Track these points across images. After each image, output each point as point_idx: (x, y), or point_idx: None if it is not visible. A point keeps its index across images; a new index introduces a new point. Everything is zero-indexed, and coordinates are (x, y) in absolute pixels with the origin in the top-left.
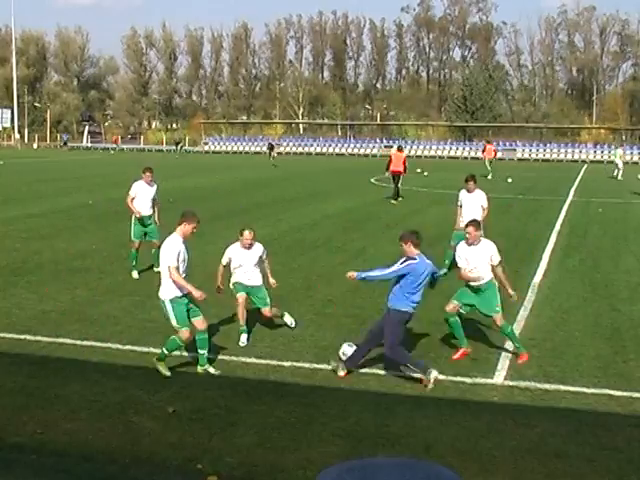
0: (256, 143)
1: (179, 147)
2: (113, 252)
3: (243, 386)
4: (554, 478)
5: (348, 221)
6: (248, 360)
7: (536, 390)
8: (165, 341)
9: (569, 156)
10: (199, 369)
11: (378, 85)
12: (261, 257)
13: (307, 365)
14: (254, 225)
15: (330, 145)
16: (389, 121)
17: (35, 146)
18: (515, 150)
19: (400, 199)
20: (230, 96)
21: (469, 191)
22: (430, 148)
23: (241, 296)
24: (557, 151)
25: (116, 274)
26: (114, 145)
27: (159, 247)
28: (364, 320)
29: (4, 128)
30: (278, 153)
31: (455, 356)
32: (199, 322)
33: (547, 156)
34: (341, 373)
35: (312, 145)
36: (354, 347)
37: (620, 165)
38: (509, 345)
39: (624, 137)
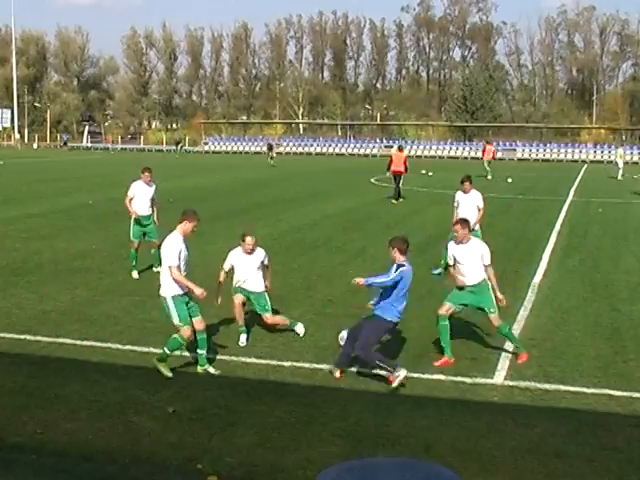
0: (256, 143)
1: (179, 147)
2: (113, 252)
3: (243, 386)
4: (554, 478)
5: (348, 221)
6: (248, 360)
7: (536, 390)
8: (166, 341)
9: (569, 156)
10: (199, 369)
11: (378, 85)
12: (263, 262)
13: (307, 365)
14: (254, 225)
15: (330, 145)
16: (389, 121)
17: (35, 146)
18: (515, 150)
19: (401, 200)
20: (230, 96)
21: (465, 192)
22: (430, 148)
23: (237, 297)
24: (557, 151)
25: (116, 274)
26: (108, 145)
27: (159, 247)
28: None
29: (4, 128)
30: (278, 153)
31: (437, 363)
32: (198, 322)
33: (547, 156)
34: (337, 374)
35: (312, 145)
36: None
37: (620, 164)
38: (509, 345)
39: (624, 137)
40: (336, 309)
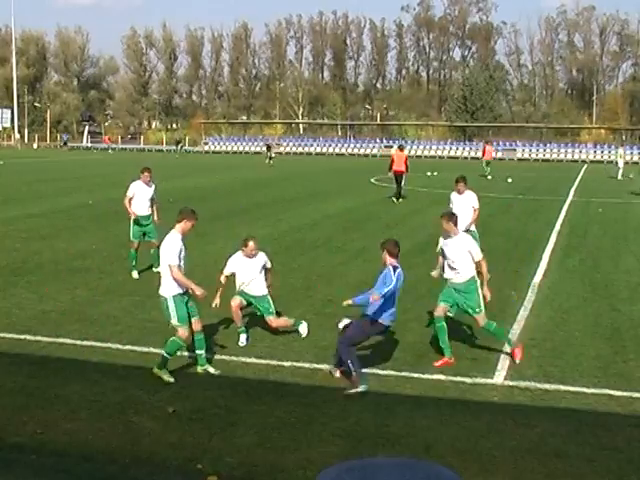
0: (256, 143)
1: (179, 147)
2: (113, 252)
3: (243, 386)
4: (554, 478)
5: (348, 221)
6: (248, 360)
7: (536, 390)
8: (165, 344)
9: (569, 156)
10: (199, 369)
11: (378, 85)
12: (264, 266)
13: (307, 365)
14: (254, 225)
15: (330, 145)
16: (389, 121)
17: (35, 146)
18: (515, 150)
19: (401, 200)
20: (230, 96)
21: (459, 192)
22: (430, 148)
23: (235, 300)
24: (557, 151)
25: (116, 274)
26: (106, 145)
27: (158, 247)
28: None
29: (4, 128)
30: (278, 153)
31: (437, 364)
32: (196, 322)
33: (547, 156)
34: (337, 374)
35: (312, 145)
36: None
37: (620, 164)
38: (508, 345)
39: (624, 137)
40: (336, 309)
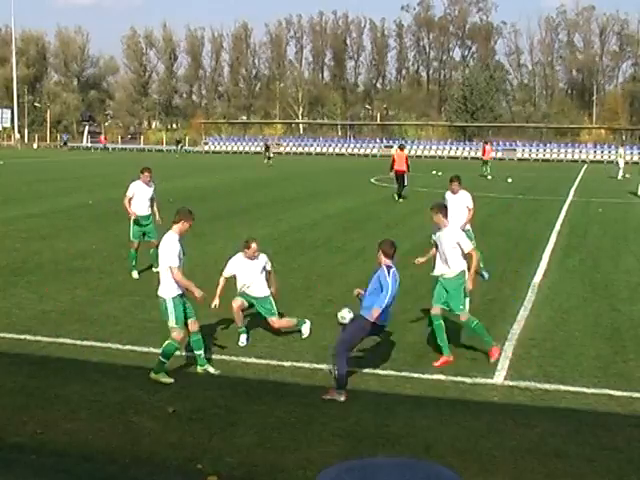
0: (256, 143)
1: (179, 147)
2: (113, 252)
3: (243, 386)
4: (554, 478)
5: (348, 221)
6: (248, 360)
7: (536, 390)
8: (161, 348)
9: (569, 156)
10: (199, 369)
11: (378, 85)
12: (265, 267)
13: (307, 365)
14: (254, 225)
15: (330, 145)
16: (389, 121)
17: (35, 146)
18: (515, 150)
19: (401, 200)
20: (230, 96)
21: (453, 192)
22: (430, 148)
23: (236, 301)
24: (557, 151)
25: (116, 274)
26: (101, 144)
27: (157, 247)
28: None
29: (4, 128)
30: (278, 153)
31: (437, 363)
32: (192, 323)
33: (547, 156)
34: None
35: (312, 145)
36: (352, 314)
37: (621, 164)
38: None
39: (624, 137)
40: (336, 309)
